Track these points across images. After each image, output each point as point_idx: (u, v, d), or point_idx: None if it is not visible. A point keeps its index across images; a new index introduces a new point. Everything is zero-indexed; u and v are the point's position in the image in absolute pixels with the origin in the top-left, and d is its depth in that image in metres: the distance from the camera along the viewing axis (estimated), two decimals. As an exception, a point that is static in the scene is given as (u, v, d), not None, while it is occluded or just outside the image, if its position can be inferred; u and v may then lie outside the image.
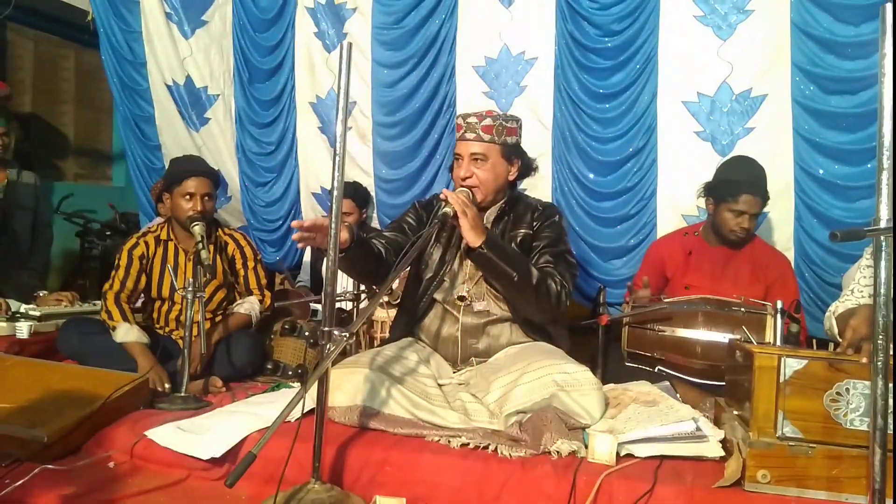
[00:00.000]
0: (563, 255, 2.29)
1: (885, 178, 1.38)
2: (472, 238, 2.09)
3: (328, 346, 1.72)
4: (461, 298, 2.29)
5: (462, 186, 2.26)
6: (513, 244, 2.29)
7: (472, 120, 2.25)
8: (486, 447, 1.90)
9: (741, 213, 2.79)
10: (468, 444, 1.92)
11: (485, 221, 2.33)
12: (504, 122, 2.27)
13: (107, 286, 2.72)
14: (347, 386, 2.08)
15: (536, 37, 3.45)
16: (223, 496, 1.85)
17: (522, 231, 2.31)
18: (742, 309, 2.49)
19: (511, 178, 2.34)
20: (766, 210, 3.15)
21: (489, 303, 2.28)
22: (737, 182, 2.79)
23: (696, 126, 3.25)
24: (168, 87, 4.12)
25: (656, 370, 2.57)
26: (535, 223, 2.32)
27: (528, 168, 2.41)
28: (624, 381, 2.40)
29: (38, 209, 3.90)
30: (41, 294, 3.26)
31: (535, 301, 2.20)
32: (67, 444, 2.02)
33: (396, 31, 3.66)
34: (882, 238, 1.36)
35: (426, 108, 3.68)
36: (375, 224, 3.94)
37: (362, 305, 2.83)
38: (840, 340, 1.90)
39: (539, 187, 3.55)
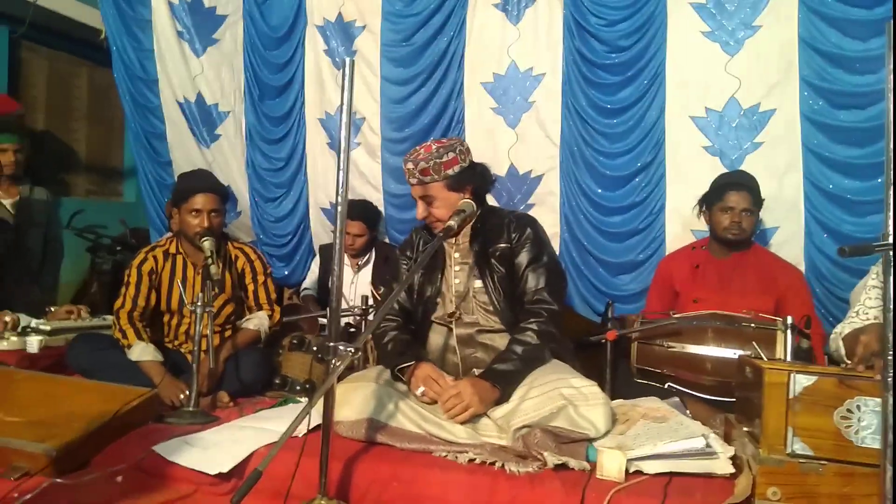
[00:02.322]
0: (546, 270, 2.30)
1: (894, 192, 1.37)
2: (495, 402, 2.11)
3: (334, 361, 1.72)
4: (451, 315, 2.31)
5: (466, 200, 2.28)
6: (492, 259, 2.30)
7: (410, 166, 2.27)
8: (493, 463, 1.89)
9: (730, 209, 2.84)
10: (475, 459, 1.91)
11: (462, 239, 2.36)
12: (438, 159, 2.25)
13: (118, 304, 2.73)
14: (354, 400, 2.08)
15: (544, 53, 3.48)
16: (230, 511, 1.84)
17: (501, 246, 2.31)
18: (752, 325, 2.47)
19: (468, 199, 2.31)
20: (775, 225, 3.15)
21: (478, 316, 2.31)
22: (722, 184, 2.88)
23: (704, 141, 3.25)
24: (179, 104, 4.17)
25: (666, 386, 2.55)
26: (512, 235, 2.33)
27: (483, 185, 2.38)
28: (633, 397, 2.38)
29: (49, 225, 3.94)
30: (52, 309, 3.28)
31: (546, 354, 2.24)
32: (76, 458, 2.01)
33: (405, 48, 3.70)
34: (891, 253, 1.36)
35: (435, 123, 3.71)
36: (385, 238, 3.96)
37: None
38: (846, 362, 1.89)
39: (547, 203, 3.56)
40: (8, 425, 2.07)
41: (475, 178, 2.34)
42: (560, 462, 1.86)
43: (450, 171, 2.27)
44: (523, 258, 2.30)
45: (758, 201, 2.86)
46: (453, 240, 2.38)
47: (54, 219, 4.04)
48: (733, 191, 2.84)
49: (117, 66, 4.27)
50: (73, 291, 5.06)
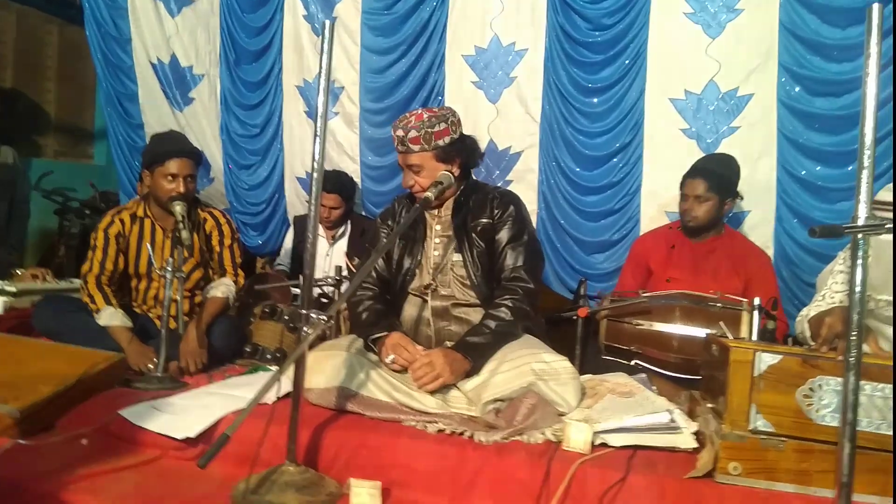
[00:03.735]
0: (526, 249, 2.31)
1: (865, 176, 1.39)
2: (466, 374, 2.12)
3: (306, 329, 1.71)
4: (428, 286, 2.31)
5: (444, 172, 2.26)
6: (473, 234, 2.30)
7: (400, 133, 2.24)
8: (461, 433, 1.91)
9: (685, 197, 2.88)
10: (444, 429, 1.93)
11: (444, 212, 2.35)
12: (430, 129, 2.22)
13: (86, 267, 2.68)
14: (325, 368, 2.08)
15: (527, 28, 3.45)
16: (196, 476, 1.81)
17: (483, 221, 2.31)
18: (719, 304, 2.51)
19: (456, 174, 2.31)
20: (747, 209, 3.19)
21: (454, 289, 2.31)
22: (687, 171, 2.91)
23: (682, 123, 3.27)
24: (153, 65, 4.07)
25: (633, 363, 2.59)
26: (495, 212, 2.32)
27: (472, 159, 2.38)
28: (601, 373, 2.41)
29: (16, 186, 3.84)
30: (18, 272, 3.22)
31: (519, 330, 2.25)
32: (40, 420, 1.99)
33: (387, 16, 3.64)
34: (859, 236, 1.38)
35: (414, 95, 3.67)
36: (361, 211, 3.93)
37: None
38: (811, 343, 1.93)
39: (526, 180, 3.56)
40: (-30, 386, 2.04)
41: (464, 151, 2.32)
42: (557, 440, 1.87)
43: (440, 142, 2.25)
44: (504, 235, 2.31)
45: (717, 187, 2.83)
46: (435, 211, 2.37)
47: (21, 180, 3.93)
48: (689, 178, 2.87)
49: (89, 23, 4.15)
50: (40, 254, 4.96)
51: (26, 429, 1.94)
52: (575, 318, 2.64)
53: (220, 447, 1.49)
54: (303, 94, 3.87)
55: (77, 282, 2.90)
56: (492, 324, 2.19)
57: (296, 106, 3.90)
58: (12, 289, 2.96)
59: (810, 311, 2.11)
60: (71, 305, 2.67)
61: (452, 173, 2.28)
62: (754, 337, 2.25)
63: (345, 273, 2.95)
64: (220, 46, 3.95)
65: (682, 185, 2.90)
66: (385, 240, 2.40)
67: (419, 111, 2.28)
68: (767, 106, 3.13)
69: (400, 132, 2.25)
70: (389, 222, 2.44)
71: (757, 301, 2.38)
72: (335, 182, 3.57)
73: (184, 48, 4.02)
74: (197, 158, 2.75)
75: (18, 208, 3.84)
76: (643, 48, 3.27)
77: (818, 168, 3.09)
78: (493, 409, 2.03)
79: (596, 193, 3.45)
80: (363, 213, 3.92)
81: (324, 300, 3.08)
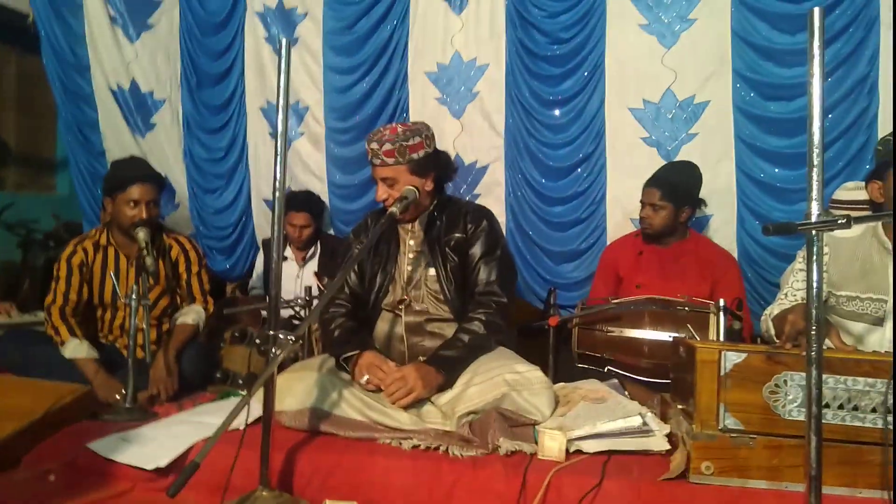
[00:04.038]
0: (499, 263, 2.32)
1: (816, 174, 1.43)
2: (439, 388, 2.12)
3: (274, 350, 1.70)
4: (402, 301, 2.31)
5: (409, 187, 2.26)
6: (447, 248, 2.31)
7: (374, 146, 2.24)
8: (437, 448, 1.90)
9: (643, 204, 2.94)
10: (419, 445, 1.92)
11: (418, 227, 2.36)
12: (404, 142, 2.23)
13: (49, 299, 2.63)
14: (297, 389, 2.06)
15: (488, 44, 3.50)
16: (169, 506, 1.80)
17: (456, 235, 2.32)
18: (686, 308, 2.55)
19: (428, 189, 2.31)
20: (709, 212, 3.25)
21: (428, 304, 2.31)
22: (648, 179, 2.96)
23: (642, 132, 3.33)
24: (112, 91, 4.03)
25: (606, 370, 2.61)
26: (468, 226, 2.33)
27: (445, 173, 2.39)
28: (574, 381, 2.42)
29: None
30: (-22, 306, 3.15)
31: (492, 343, 2.26)
32: (6, 456, 1.94)
33: (348, 36, 3.67)
34: (813, 232, 1.42)
35: (379, 113, 3.69)
36: (331, 231, 3.92)
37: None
38: (776, 341, 1.97)
39: (493, 193, 3.60)
40: (-69, 425, 1.98)
41: (438, 165, 2.33)
42: (515, 450, 1.88)
43: (414, 156, 2.24)
44: (477, 250, 2.31)
45: (671, 195, 2.87)
46: (409, 226, 2.37)
47: None
48: (646, 186, 2.94)
49: (46, 51, 4.10)
50: (3, 288, 4.85)
51: (-9, 466, 1.89)
52: (546, 327, 2.65)
53: (190, 475, 1.46)
54: (267, 115, 3.87)
55: (41, 315, 2.84)
56: (465, 337, 2.20)
57: (260, 128, 3.89)
58: (-27, 324, 2.90)
59: (773, 309, 2.15)
60: (35, 338, 2.62)
61: (425, 188, 2.28)
62: (721, 338, 2.29)
63: (315, 293, 2.93)
64: (181, 70, 3.93)
65: (642, 193, 2.96)
66: (356, 252, 2.39)
67: (394, 125, 2.29)
68: (724, 112, 3.21)
69: (374, 145, 2.24)
70: (362, 238, 2.43)
71: (721, 302, 2.42)
72: (304, 201, 3.56)
73: (144, 73, 3.99)
74: (159, 183, 2.72)
75: None
76: (601, 60, 3.33)
77: (776, 170, 3.17)
78: (467, 423, 2.03)
79: (562, 204, 3.49)
80: (332, 233, 3.91)
81: (295, 321, 3.05)
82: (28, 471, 1.92)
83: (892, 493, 1.62)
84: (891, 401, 1.67)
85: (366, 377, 2.13)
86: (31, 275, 4.61)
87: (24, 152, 5.69)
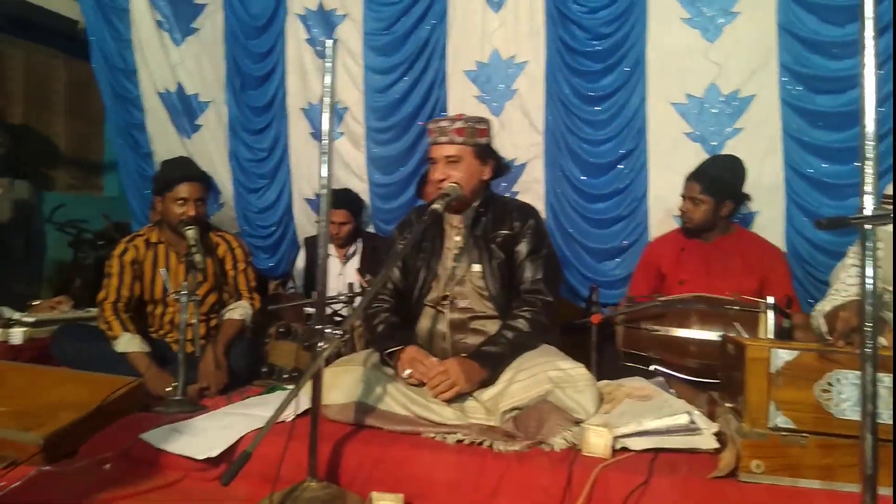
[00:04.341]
0: (545, 262, 2.32)
1: (869, 167, 1.40)
2: (481, 383, 2.14)
3: (321, 344, 1.72)
4: (445, 298, 2.32)
5: (438, 189, 2.28)
6: (494, 245, 2.31)
7: (444, 124, 2.29)
8: (481, 443, 1.91)
9: (683, 198, 2.89)
10: (463, 440, 1.93)
11: (464, 222, 2.36)
12: (475, 125, 2.30)
13: (102, 295, 2.71)
14: (342, 384, 2.09)
15: (527, 41, 3.49)
16: (219, 496, 1.84)
17: (503, 232, 2.33)
18: (735, 307, 2.50)
19: (485, 177, 2.35)
20: (756, 209, 3.19)
21: (473, 301, 2.31)
22: (690, 173, 2.91)
23: (685, 127, 3.28)
24: (159, 94, 4.13)
25: (651, 369, 2.58)
26: (515, 224, 2.34)
27: (501, 167, 2.43)
28: (618, 379, 2.40)
29: (32, 219, 3.91)
30: (36, 303, 3.26)
31: (537, 342, 2.26)
32: (63, 447, 2.01)
33: (387, 36, 3.69)
34: (867, 227, 1.38)
35: (418, 112, 3.71)
36: (371, 229, 3.96)
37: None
38: (828, 338, 1.93)
39: (532, 190, 3.58)
40: (-6, 415, 2.07)
41: (497, 157, 2.39)
42: (573, 444, 1.88)
43: (481, 140, 2.31)
44: (523, 248, 2.32)
45: (711, 189, 2.82)
46: (454, 222, 2.38)
47: (36, 213, 4.00)
48: (688, 180, 2.89)
49: (96, 56, 4.22)
50: (55, 286, 5.01)
51: (50, 456, 1.96)
52: (589, 325, 2.63)
53: (243, 464, 1.49)
54: (308, 116, 3.92)
55: (93, 311, 2.93)
56: (509, 334, 2.20)
57: (301, 128, 3.95)
58: (30, 319, 3.00)
59: (825, 306, 2.10)
60: (88, 333, 2.70)
61: (483, 176, 2.34)
62: (771, 335, 2.25)
63: (357, 290, 2.96)
64: (225, 73, 4.01)
65: (683, 186, 2.92)
66: (399, 247, 2.42)
67: (459, 114, 2.33)
68: (770, 106, 3.15)
69: (444, 123, 2.29)
70: (406, 233, 2.46)
71: (771, 300, 2.38)
72: (342, 198, 3.62)
73: (189, 76, 4.07)
74: (206, 182, 2.79)
75: (35, 241, 3.91)
76: (642, 55, 3.30)
77: (825, 165, 3.09)
78: (511, 418, 2.03)
79: (603, 200, 3.46)
80: (372, 231, 3.95)
81: (337, 318, 3.10)
82: (85, 460, 1.98)
83: (893, 492, 1.58)
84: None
85: (408, 371, 2.15)
86: (82, 273, 4.75)
87: (74, 155, 5.87)
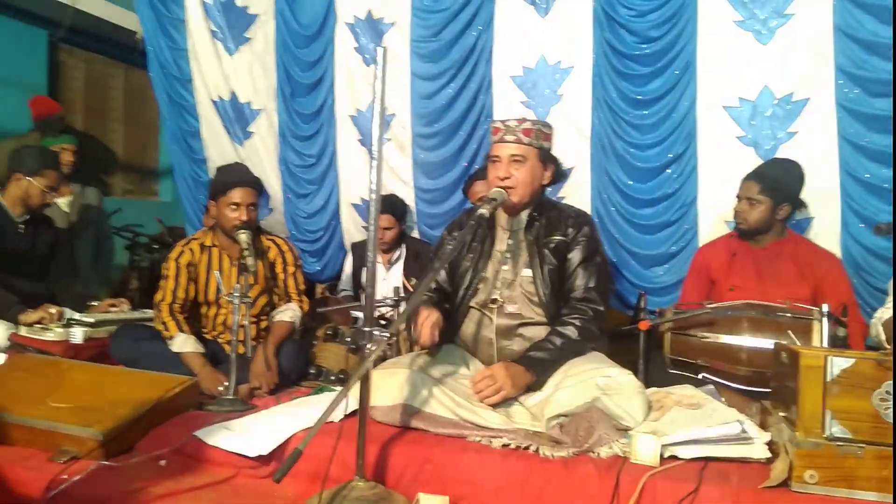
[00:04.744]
0: (598, 270, 2.32)
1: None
2: (527, 388, 2.16)
3: (369, 347, 1.75)
4: (493, 301, 2.31)
5: (499, 187, 2.28)
6: (546, 250, 2.31)
7: (512, 123, 2.30)
8: (527, 448, 1.91)
9: (739, 198, 2.83)
10: (509, 444, 1.93)
11: (516, 227, 2.36)
12: (542, 128, 2.33)
13: (159, 296, 2.80)
14: (389, 386, 2.11)
15: (573, 45, 3.48)
16: (270, 493, 1.89)
17: (557, 238, 2.32)
18: (788, 314, 2.45)
19: (545, 182, 2.37)
20: (811, 215, 3.11)
21: (521, 306, 2.30)
22: (748, 173, 2.86)
23: (737, 131, 3.22)
24: (213, 102, 4.25)
25: (700, 377, 2.54)
26: (569, 230, 2.33)
27: (560, 174, 2.45)
28: (666, 387, 2.37)
29: (100, 223, 4.09)
30: (95, 303, 3.38)
31: (585, 350, 2.26)
32: (121, 442, 2.09)
33: (434, 43, 3.72)
34: (930, 232, 1.34)
35: (464, 118, 3.73)
36: (415, 234, 3.99)
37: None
38: (886, 347, 1.87)
39: (578, 195, 3.56)
40: (56, 411, 2.15)
41: (557, 162, 2.41)
42: (622, 453, 1.86)
43: (545, 144, 2.33)
44: (577, 255, 2.32)
45: (770, 190, 2.77)
46: (507, 224, 2.39)
47: (104, 219, 4.18)
48: (746, 179, 2.84)
49: (153, 65, 4.37)
50: (112, 288, 5.19)
51: (109, 451, 2.03)
52: (636, 331, 2.61)
53: (294, 462, 1.53)
54: (356, 123, 3.97)
55: (149, 312, 3.03)
56: (557, 340, 2.19)
57: (349, 135, 4.00)
58: (90, 319, 3.11)
59: (883, 314, 2.04)
60: (145, 333, 2.79)
61: (543, 180, 2.36)
62: (825, 344, 2.19)
63: (402, 294, 2.99)
64: (277, 81, 4.09)
65: (740, 186, 2.87)
66: (448, 247, 2.43)
67: (524, 117, 2.37)
68: (826, 110, 3.06)
69: (512, 122, 2.32)
70: (455, 233, 2.47)
71: (825, 308, 2.31)
72: (386, 203, 3.65)
73: (242, 85, 4.18)
74: (258, 187, 2.86)
75: (104, 244, 4.09)
76: (692, 58, 3.25)
77: (883, 170, 2.99)
78: (557, 424, 2.02)
79: (651, 206, 3.41)
80: (416, 236, 3.98)
81: (383, 322, 3.13)
82: (141, 456, 2.05)
83: (893, 495, 1.52)
84: None
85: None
86: (138, 275, 4.91)
87: (130, 161, 6.09)
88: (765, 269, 2.81)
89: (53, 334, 2.93)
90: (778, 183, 2.79)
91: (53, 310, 3.04)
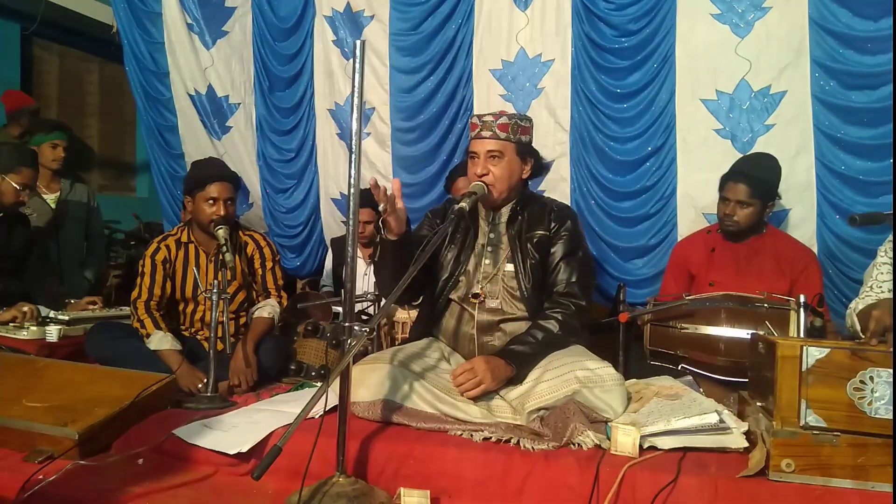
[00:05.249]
0: (580, 265, 2.31)
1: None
2: (508, 382, 2.14)
3: (349, 342, 1.74)
4: (475, 296, 2.30)
5: (477, 182, 2.27)
6: (529, 244, 2.30)
7: (488, 118, 2.28)
8: (508, 440, 1.91)
9: (726, 200, 2.83)
10: (490, 437, 1.93)
11: (498, 220, 2.36)
12: (519, 121, 2.30)
13: (135, 294, 2.76)
14: (370, 381, 2.10)
15: (553, 39, 3.48)
16: (250, 491, 1.87)
17: (539, 232, 2.31)
18: (765, 305, 2.47)
19: (525, 176, 2.35)
20: (787, 207, 3.14)
21: (503, 301, 2.30)
22: (727, 173, 2.86)
23: (715, 124, 3.25)
24: (190, 96, 4.20)
25: (679, 368, 2.56)
26: (552, 224, 2.32)
27: (540, 167, 2.43)
28: (646, 378, 2.39)
29: (90, 221, 4.04)
30: (71, 301, 3.33)
31: (566, 344, 2.24)
32: (98, 441, 2.06)
33: (413, 36, 3.71)
34: (902, 222, 1.36)
35: (444, 112, 3.72)
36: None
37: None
38: (861, 337, 1.89)
39: (558, 188, 3.57)
40: (31, 410, 2.12)
41: (536, 156, 2.38)
42: (597, 443, 1.87)
43: (523, 137, 2.31)
44: (559, 249, 2.31)
45: (759, 192, 2.78)
46: (490, 218, 2.38)
47: (95, 217, 4.13)
48: (731, 181, 2.82)
49: (129, 59, 4.31)
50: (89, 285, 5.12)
51: (85, 450, 2.00)
52: (616, 323, 2.62)
53: (274, 458, 1.52)
54: (334, 116, 3.95)
55: (126, 309, 2.99)
56: (538, 334, 2.19)
57: (328, 129, 3.98)
58: (65, 317, 3.07)
59: (858, 304, 2.07)
60: (122, 331, 2.75)
61: (523, 174, 2.33)
62: (802, 334, 2.22)
63: (384, 289, 2.98)
64: (254, 75, 4.06)
65: (723, 187, 2.85)
66: (424, 231, 2.40)
67: (502, 110, 2.34)
68: (802, 102, 3.10)
69: (488, 117, 2.28)
70: (438, 221, 2.43)
71: (802, 298, 2.34)
72: (367, 197, 3.61)
73: (219, 78, 4.14)
74: (235, 182, 2.83)
75: (94, 242, 4.06)
76: (671, 51, 3.27)
77: (858, 162, 3.04)
78: (538, 418, 2.03)
79: (630, 199, 3.43)
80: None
81: (363, 317, 3.12)
82: (118, 455, 2.03)
83: (893, 488, 1.55)
84: None
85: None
86: (115, 272, 4.85)
87: (106, 156, 6.01)
88: (743, 265, 2.84)
89: (28, 333, 2.88)
90: (767, 184, 2.80)
91: (27, 308, 3.00)
